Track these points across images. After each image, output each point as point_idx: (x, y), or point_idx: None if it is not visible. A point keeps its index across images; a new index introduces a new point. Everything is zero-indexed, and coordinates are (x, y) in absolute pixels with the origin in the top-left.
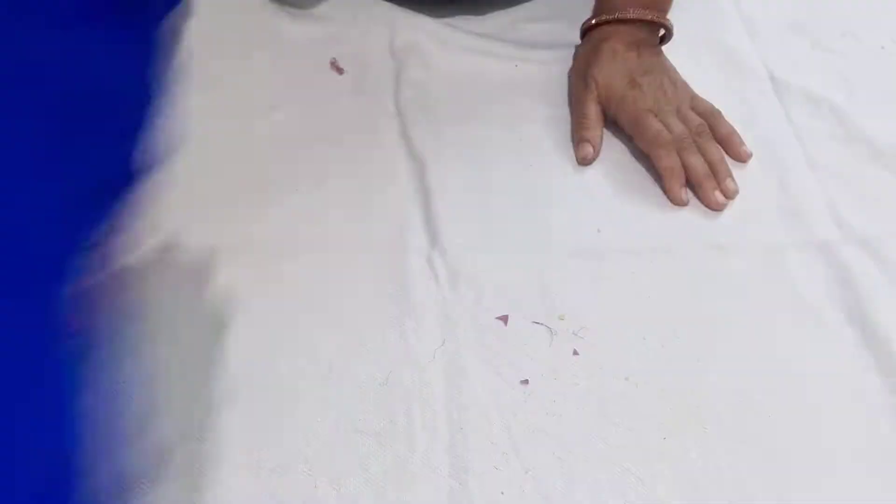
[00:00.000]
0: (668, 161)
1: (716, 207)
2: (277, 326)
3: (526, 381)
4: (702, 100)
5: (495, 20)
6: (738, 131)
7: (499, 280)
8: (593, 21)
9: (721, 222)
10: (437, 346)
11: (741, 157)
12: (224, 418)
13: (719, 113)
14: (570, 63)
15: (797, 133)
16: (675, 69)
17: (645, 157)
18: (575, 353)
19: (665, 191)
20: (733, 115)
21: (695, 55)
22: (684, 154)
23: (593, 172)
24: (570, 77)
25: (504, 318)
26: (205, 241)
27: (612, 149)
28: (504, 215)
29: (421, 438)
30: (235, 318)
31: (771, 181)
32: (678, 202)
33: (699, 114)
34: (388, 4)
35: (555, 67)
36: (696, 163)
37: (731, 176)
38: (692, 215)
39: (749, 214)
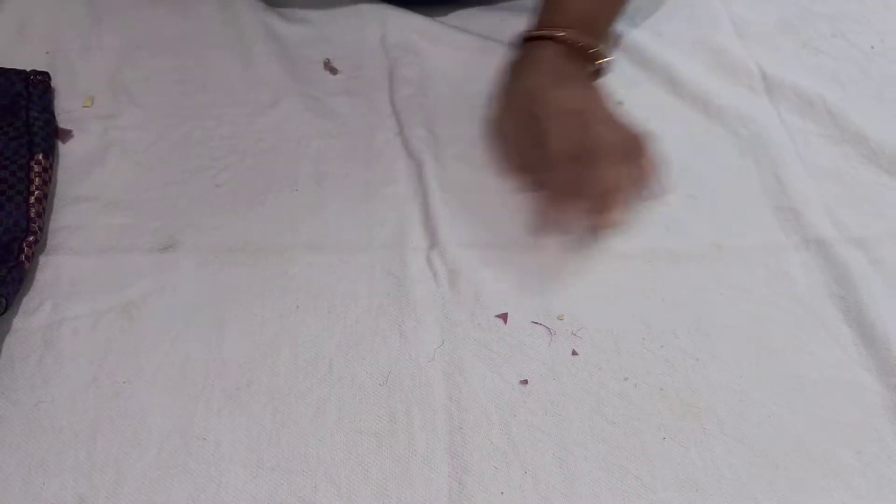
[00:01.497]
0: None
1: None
2: (277, 326)
3: (525, 381)
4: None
5: (485, 17)
6: (731, 130)
7: (498, 280)
8: (528, 33)
9: (718, 222)
10: (436, 346)
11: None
12: (224, 418)
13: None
14: None
15: (790, 133)
16: (604, 105)
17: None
18: (574, 353)
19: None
20: (722, 118)
21: (685, 56)
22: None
23: None
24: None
25: (503, 316)
26: (205, 241)
27: None
28: (501, 215)
29: (421, 438)
30: (235, 318)
31: (767, 181)
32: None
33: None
34: (380, 4)
35: None
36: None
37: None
38: (689, 216)
39: (746, 214)
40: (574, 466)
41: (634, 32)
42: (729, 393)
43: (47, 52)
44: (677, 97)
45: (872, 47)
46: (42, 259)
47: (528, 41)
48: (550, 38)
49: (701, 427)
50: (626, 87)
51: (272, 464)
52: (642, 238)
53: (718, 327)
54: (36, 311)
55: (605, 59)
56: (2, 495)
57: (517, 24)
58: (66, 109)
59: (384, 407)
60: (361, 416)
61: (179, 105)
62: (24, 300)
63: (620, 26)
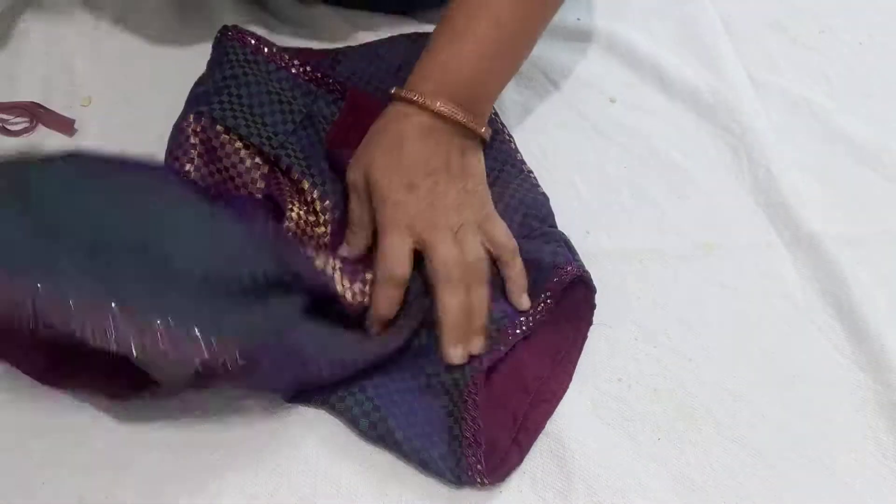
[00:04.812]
0: (384, 303)
1: (446, 360)
2: None
3: None
4: (501, 226)
5: None
6: (718, 131)
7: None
8: (392, 91)
9: (709, 222)
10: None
11: (518, 306)
12: (224, 418)
13: (515, 250)
14: (552, 67)
15: (780, 131)
16: (483, 176)
17: (635, 159)
18: None
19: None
20: (712, 116)
21: (675, 55)
22: (442, 289)
23: (581, 174)
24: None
25: None
26: None
27: (598, 151)
28: None
29: None
30: None
31: (759, 180)
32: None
33: (490, 241)
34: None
35: (536, 70)
36: (452, 303)
37: (482, 334)
38: (681, 215)
39: (737, 213)
40: (571, 466)
41: (625, 31)
42: (723, 393)
43: (46, 52)
44: (668, 96)
45: (861, 43)
46: None
47: (399, 101)
48: (422, 107)
49: (696, 427)
50: (617, 88)
51: (271, 464)
52: (634, 238)
53: (711, 327)
54: None
55: (483, 136)
56: (2, 495)
57: None
58: (64, 109)
59: None
60: None
61: (176, 106)
62: None
63: (609, 24)
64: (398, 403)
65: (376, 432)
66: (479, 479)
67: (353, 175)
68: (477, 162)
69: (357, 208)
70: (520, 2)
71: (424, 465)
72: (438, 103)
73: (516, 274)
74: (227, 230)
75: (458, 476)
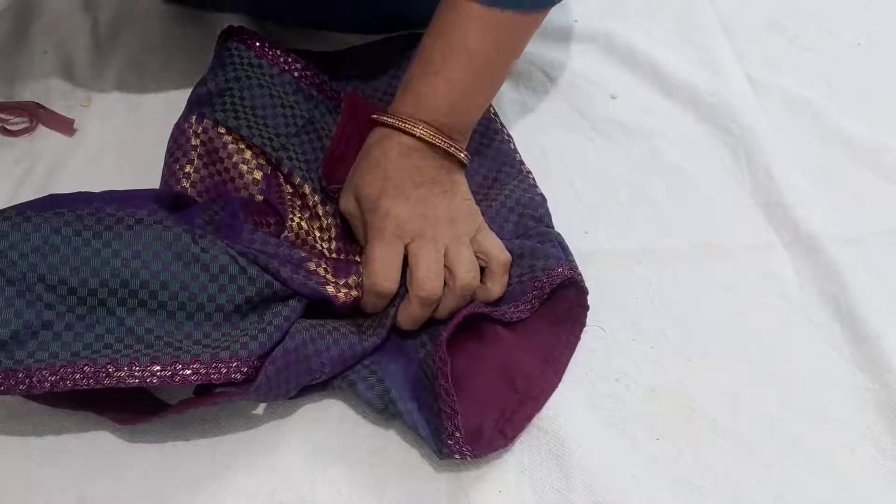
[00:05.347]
0: (370, 308)
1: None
2: None
3: None
4: (494, 239)
5: None
6: (717, 131)
7: None
8: (374, 116)
9: (708, 222)
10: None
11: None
12: (223, 418)
13: (506, 264)
14: (552, 66)
15: (777, 133)
16: (468, 192)
17: (635, 159)
18: None
19: None
20: (711, 116)
21: (675, 55)
22: (411, 301)
23: (580, 174)
24: None
25: None
26: None
27: (598, 151)
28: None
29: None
30: None
31: (757, 180)
32: None
33: (483, 253)
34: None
35: (536, 70)
36: (412, 316)
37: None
38: (680, 215)
39: (736, 214)
40: (571, 465)
41: (624, 32)
42: (721, 393)
43: (45, 52)
44: (667, 97)
45: (859, 44)
46: None
47: (381, 126)
48: (403, 131)
49: (694, 427)
50: (617, 87)
51: (271, 463)
52: (632, 238)
53: (709, 327)
54: None
55: (462, 160)
56: (2, 495)
57: None
58: (64, 109)
59: None
60: (361, 414)
61: (177, 107)
62: None
63: (608, 24)
64: (395, 373)
65: (374, 393)
66: (457, 448)
67: (346, 203)
68: (462, 179)
69: (362, 237)
70: (490, 35)
71: (416, 431)
72: (419, 129)
73: (497, 289)
74: (209, 257)
75: (440, 449)
